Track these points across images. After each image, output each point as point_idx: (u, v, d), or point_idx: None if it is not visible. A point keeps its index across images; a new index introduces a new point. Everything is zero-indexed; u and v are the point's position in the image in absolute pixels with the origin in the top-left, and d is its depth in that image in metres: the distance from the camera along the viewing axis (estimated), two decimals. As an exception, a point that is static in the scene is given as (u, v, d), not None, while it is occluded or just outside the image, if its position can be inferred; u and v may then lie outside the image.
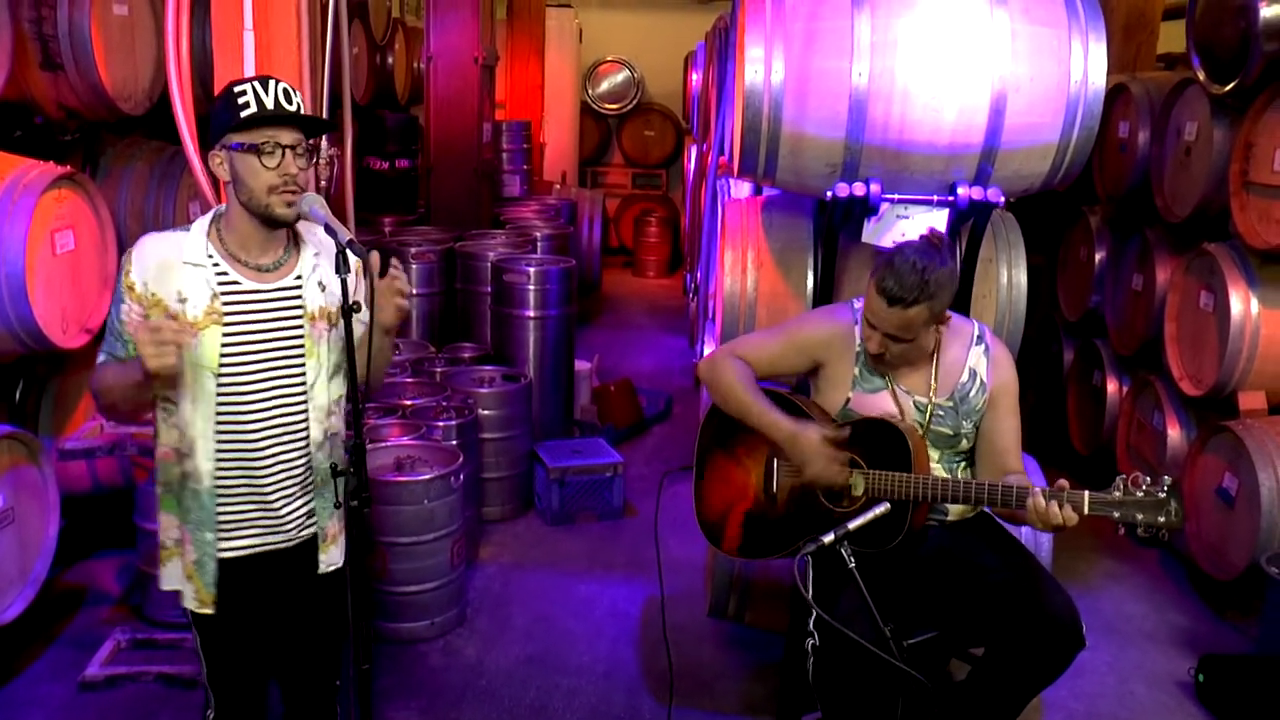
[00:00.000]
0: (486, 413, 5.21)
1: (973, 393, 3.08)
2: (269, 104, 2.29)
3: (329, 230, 2.29)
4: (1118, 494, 2.67)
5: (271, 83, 2.32)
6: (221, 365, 2.37)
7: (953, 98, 3.42)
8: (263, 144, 2.30)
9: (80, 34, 4.23)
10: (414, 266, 6.73)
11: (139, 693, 3.77)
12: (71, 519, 4.27)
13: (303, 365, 2.45)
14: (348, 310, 2.30)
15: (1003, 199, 3.57)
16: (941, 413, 3.06)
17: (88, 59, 4.26)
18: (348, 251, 2.27)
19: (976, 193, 3.55)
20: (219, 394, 2.38)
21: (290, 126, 2.33)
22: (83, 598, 4.43)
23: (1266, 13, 4.35)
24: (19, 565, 3.88)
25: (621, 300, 10.81)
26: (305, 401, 2.46)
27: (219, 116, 2.34)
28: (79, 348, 4.22)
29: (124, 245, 4.55)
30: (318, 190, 2.39)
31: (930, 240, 2.99)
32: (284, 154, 2.31)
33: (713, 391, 3.23)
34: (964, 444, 3.10)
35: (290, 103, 2.32)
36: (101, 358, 2.41)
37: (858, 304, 3.16)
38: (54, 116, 4.47)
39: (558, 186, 11.16)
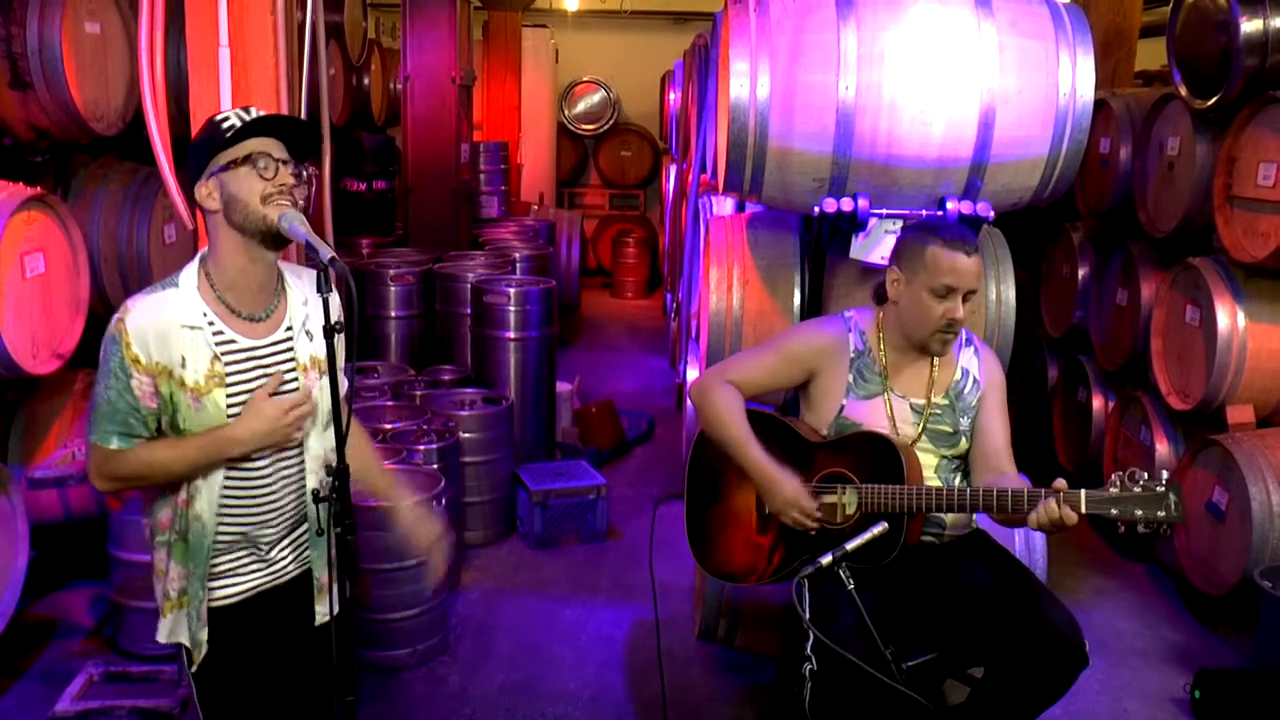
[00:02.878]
0: (467, 436, 5.14)
1: (967, 389, 3.09)
2: (251, 119, 2.23)
3: (310, 248, 2.20)
4: (1115, 490, 2.63)
5: (253, 109, 2.27)
6: None
7: (941, 110, 3.39)
8: (253, 155, 2.22)
9: (51, 52, 4.14)
10: (392, 289, 6.65)
11: (112, 728, 3.66)
12: (42, 549, 4.15)
13: None
14: (330, 330, 2.22)
15: (992, 213, 3.54)
16: (939, 411, 3.06)
17: (58, 78, 4.17)
18: (330, 270, 2.19)
19: (966, 207, 3.52)
20: None
21: (277, 143, 2.26)
22: (53, 630, 4.30)
23: (1247, 27, 4.36)
24: (-13, 597, 3.78)
25: (601, 322, 10.75)
26: (302, 453, 2.39)
27: (202, 146, 2.25)
28: (50, 373, 4.12)
29: (96, 268, 4.47)
30: (294, 211, 2.30)
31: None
32: (277, 166, 2.23)
33: (701, 418, 3.18)
34: (963, 443, 3.07)
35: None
36: (116, 444, 2.24)
37: (849, 313, 3.17)
38: (24, 137, 4.38)
39: (535, 207, 11.11)
